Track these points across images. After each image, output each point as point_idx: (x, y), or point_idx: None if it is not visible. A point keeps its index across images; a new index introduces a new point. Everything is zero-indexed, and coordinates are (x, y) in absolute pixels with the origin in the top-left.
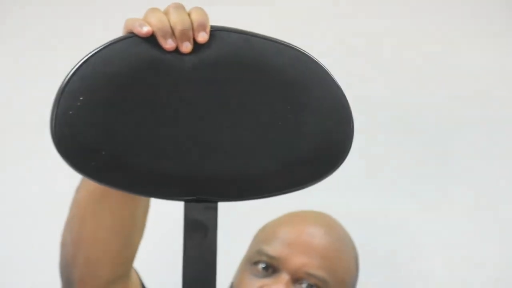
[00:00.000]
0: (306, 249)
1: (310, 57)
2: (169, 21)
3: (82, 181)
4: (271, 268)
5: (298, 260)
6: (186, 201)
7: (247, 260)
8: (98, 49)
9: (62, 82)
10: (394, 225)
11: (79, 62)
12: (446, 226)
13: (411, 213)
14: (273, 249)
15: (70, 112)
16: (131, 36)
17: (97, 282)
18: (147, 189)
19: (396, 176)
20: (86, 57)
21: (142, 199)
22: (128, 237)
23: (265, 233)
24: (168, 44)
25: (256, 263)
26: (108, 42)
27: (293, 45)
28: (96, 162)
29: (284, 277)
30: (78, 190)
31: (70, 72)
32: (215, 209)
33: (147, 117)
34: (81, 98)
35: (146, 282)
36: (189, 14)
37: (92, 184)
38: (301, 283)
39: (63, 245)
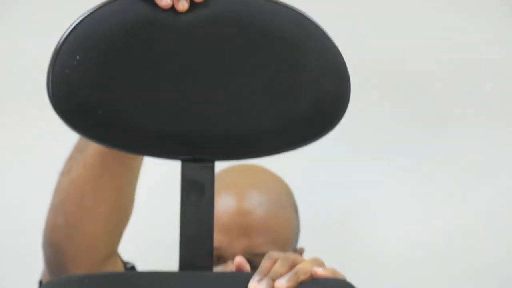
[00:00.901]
0: (245, 230)
1: (307, 17)
2: None
3: (70, 161)
4: (215, 257)
5: (240, 245)
6: (183, 161)
7: None
8: (94, 9)
9: (59, 41)
10: (350, 188)
11: (75, 21)
12: (402, 190)
13: (367, 175)
14: None
15: (67, 71)
16: None
17: (94, 260)
18: (144, 148)
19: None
20: (82, 16)
21: (137, 167)
22: (125, 209)
23: None
24: (164, 1)
25: None
26: (103, 2)
27: (290, 5)
28: (93, 121)
29: (231, 265)
30: (69, 170)
31: (66, 31)
32: (212, 169)
33: (144, 76)
34: (77, 57)
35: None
36: None
37: (90, 159)
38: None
39: (53, 230)
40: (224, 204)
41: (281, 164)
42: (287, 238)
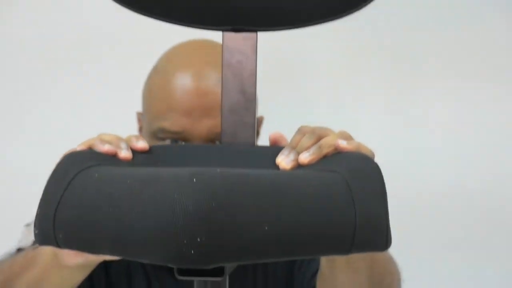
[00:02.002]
0: (206, 110)
1: None
2: None
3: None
4: (180, 141)
5: (203, 126)
6: (224, 31)
7: (151, 134)
8: None
9: None
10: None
11: None
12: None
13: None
14: (174, 124)
15: None
16: None
17: None
18: (185, 18)
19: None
20: None
21: None
22: None
23: (157, 104)
24: None
25: (162, 138)
26: None
27: None
28: None
29: None
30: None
31: None
32: (254, 39)
33: None
34: None
35: None
36: None
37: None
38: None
39: None
40: (182, 86)
41: None
42: None
